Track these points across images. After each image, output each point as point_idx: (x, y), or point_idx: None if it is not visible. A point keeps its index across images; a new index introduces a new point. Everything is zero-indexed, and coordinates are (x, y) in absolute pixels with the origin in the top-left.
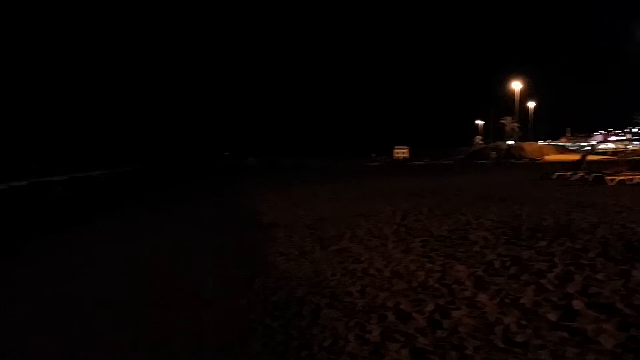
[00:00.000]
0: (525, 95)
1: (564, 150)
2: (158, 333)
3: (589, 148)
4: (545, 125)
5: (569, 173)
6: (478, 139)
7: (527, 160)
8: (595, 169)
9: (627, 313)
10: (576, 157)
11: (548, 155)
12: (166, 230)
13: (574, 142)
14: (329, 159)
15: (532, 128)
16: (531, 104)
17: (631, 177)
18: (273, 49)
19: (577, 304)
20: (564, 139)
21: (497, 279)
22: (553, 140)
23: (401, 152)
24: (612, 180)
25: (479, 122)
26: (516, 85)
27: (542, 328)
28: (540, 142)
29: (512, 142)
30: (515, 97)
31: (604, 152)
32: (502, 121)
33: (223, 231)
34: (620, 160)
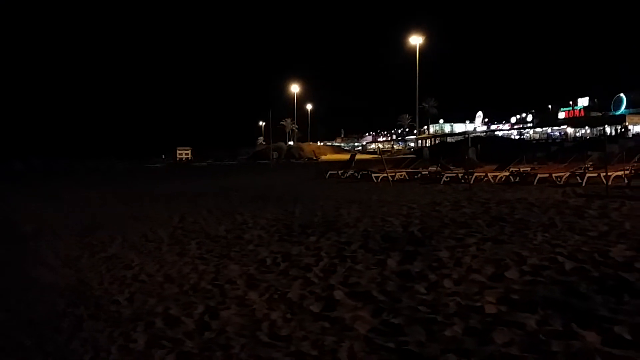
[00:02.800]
0: (304, 98)
1: (339, 150)
2: None
3: (360, 148)
4: (323, 126)
5: (340, 172)
6: (261, 139)
7: (306, 160)
8: (364, 168)
9: (381, 299)
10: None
11: (325, 155)
12: None
13: (348, 143)
14: (106, 159)
15: (311, 129)
16: (309, 106)
17: (393, 173)
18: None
19: (338, 294)
20: (339, 140)
21: (267, 276)
22: (329, 140)
23: (184, 153)
24: (377, 177)
25: (262, 123)
26: (294, 89)
27: (306, 320)
28: (318, 143)
29: (292, 143)
30: (294, 100)
31: (374, 152)
32: (282, 123)
33: None
34: (389, 159)
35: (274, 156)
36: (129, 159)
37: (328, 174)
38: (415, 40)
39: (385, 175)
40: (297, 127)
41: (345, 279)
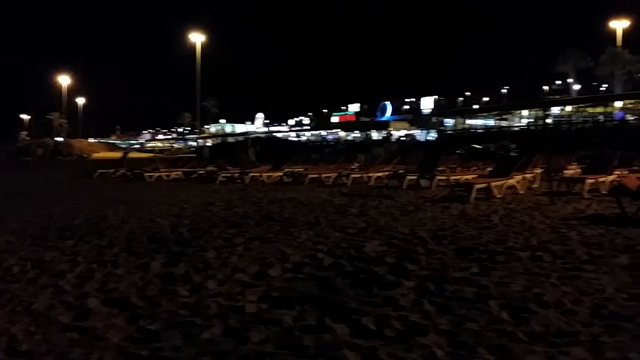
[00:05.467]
0: (75, 90)
1: (114, 147)
2: None
3: (139, 146)
4: (96, 122)
5: (111, 170)
6: (24, 134)
7: (76, 157)
8: (139, 166)
9: (140, 305)
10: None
11: (98, 152)
12: None
13: (124, 140)
14: None
15: (82, 125)
16: (81, 100)
17: (168, 173)
18: None
19: (92, 302)
20: (114, 137)
21: (12, 286)
22: (104, 137)
23: None
24: (150, 177)
25: (25, 116)
26: (64, 80)
27: (52, 332)
28: (91, 140)
29: (61, 139)
30: (63, 93)
31: (152, 150)
32: (49, 116)
33: None
34: (164, 158)
35: (39, 152)
36: None
37: (98, 173)
38: (196, 38)
39: (160, 174)
40: (66, 122)
41: (102, 285)
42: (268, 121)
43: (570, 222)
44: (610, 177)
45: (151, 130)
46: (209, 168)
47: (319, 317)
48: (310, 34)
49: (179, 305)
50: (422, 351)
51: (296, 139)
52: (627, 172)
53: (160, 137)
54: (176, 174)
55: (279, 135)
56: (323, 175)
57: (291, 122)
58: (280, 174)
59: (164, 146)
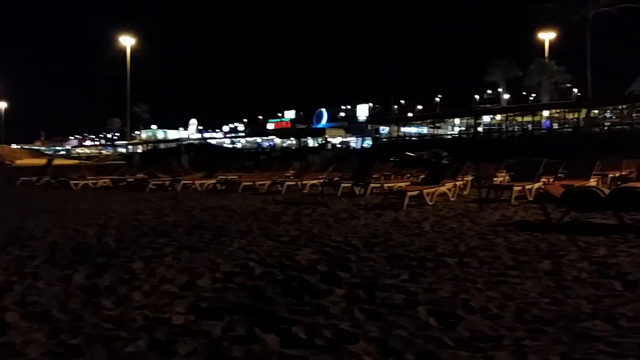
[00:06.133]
0: None
1: (39, 154)
2: None
3: (65, 152)
4: (19, 127)
5: (35, 178)
6: None
7: None
8: (65, 174)
9: (61, 318)
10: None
11: (21, 159)
12: None
13: (50, 146)
14: None
15: (4, 130)
16: (2, 105)
17: (95, 180)
18: None
19: (11, 316)
20: (39, 143)
21: None
22: (28, 143)
23: None
24: (76, 184)
25: None
26: None
27: None
28: (14, 146)
29: None
30: None
31: (79, 157)
32: None
33: None
34: (92, 165)
35: None
36: None
37: (21, 180)
38: (127, 41)
39: (86, 182)
40: None
41: (22, 298)
42: (202, 127)
43: (498, 229)
44: (537, 185)
45: (78, 136)
46: (139, 175)
47: (248, 327)
48: (245, 40)
49: (102, 318)
50: (352, 359)
51: (231, 146)
52: (552, 179)
53: (88, 143)
54: (104, 182)
55: (213, 141)
56: (257, 182)
57: (226, 128)
58: (213, 181)
59: (92, 153)
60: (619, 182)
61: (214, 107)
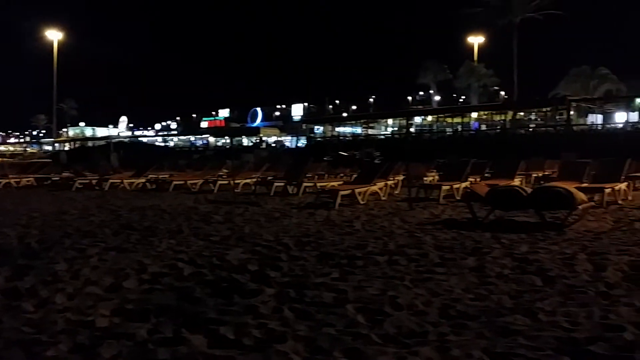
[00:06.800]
0: None
1: None
2: None
3: None
4: None
5: None
6: None
7: None
8: None
9: None
10: None
11: None
12: None
13: None
14: None
15: None
16: None
17: (18, 179)
18: None
19: None
20: None
21: None
22: None
23: None
24: None
25: None
26: None
27: None
28: None
29: None
30: None
31: (2, 155)
32: None
33: None
34: (15, 163)
35: None
36: None
37: None
38: (53, 35)
39: (8, 180)
40: None
41: None
42: (132, 125)
43: (426, 227)
44: (464, 184)
45: (2, 133)
46: (65, 174)
47: (175, 329)
48: (179, 36)
49: (22, 321)
50: (280, 358)
51: (163, 145)
52: (479, 179)
53: (12, 140)
54: (27, 181)
55: (144, 140)
56: (189, 181)
57: (158, 126)
58: (143, 180)
59: (16, 150)
60: (541, 182)
61: (146, 104)
